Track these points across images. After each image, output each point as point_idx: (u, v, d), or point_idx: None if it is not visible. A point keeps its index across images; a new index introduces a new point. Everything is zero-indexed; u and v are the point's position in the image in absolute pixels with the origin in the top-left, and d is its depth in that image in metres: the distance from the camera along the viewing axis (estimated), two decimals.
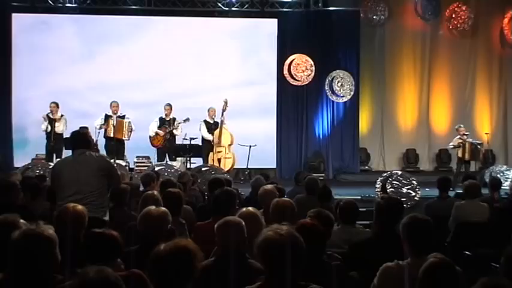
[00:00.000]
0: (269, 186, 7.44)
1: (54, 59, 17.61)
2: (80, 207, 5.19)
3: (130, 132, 14.96)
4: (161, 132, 15.16)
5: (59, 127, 14.82)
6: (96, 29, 17.87)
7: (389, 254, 4.48)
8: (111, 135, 14.76)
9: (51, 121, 14.78)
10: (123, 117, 15.04)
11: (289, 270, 3.37)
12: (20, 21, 17.68)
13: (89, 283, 2.82)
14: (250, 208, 5.25)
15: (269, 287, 3.45)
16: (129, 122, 15.00)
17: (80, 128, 9.91)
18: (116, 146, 14.74)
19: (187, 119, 15.27)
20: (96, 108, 16.88)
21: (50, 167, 13.62)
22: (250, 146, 16.35)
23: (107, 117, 14.96)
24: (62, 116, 15.03)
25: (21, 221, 4.23)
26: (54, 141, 14.74)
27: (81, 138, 6.84)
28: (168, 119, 15.34)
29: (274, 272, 3.41)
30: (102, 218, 6.37)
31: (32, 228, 3.53)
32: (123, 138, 14.85)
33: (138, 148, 15.95)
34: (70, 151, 14.28)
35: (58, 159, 8.90)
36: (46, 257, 3.46)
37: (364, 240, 5.51)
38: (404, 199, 12.18)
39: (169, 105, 15.59)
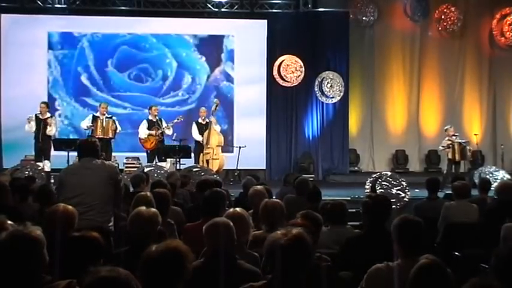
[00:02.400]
0: (259, 187, 7.40)
1: (42, 57, 17.61)
2: (70, 207, 5.16)
3: (115, 131, 14.95)
4: (154, 133, 15.12)
5: (51, 131, 14.73)
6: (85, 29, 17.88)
7: (380, 250, 4.54)
8: (100, 136, 14.70)
9: (40, 121, 14.67)
10: (110, 118, 15.03)
11: (295, 273, 3.38)
12: (8, 21, 17.64)
13: (100, 282, 2.81)
14: (237, 209, 5.24)
15: (273, 286, 3.45)
16: (114, 121, 14.98)
17: (88, 137, 9.95)
18: (104, 146, 14.68)
19: (180, 117, 15.30)
20: (84, 107, 17.00)
21: (39, 168, 13.68)
22: (239, 147, 16.35)
23: (95, 118, 14.90)
24: (51, 116, 14.95)
25: (9, 222, 4.21)
26: (42, 141, 14.65)
27: (90, 147, 6.77)
28: (155, 120, 15.31)
29: (280, 273, 3.40)
30: (106, 227, 6.29)
31: (18, 229, 3.52)
32: (107, 137, 14.77)
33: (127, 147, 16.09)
34: (58, 152, 14.39)
35: (67, 166, 8.92)
36: (33, 257, 3.45)
37: (356, 236, 5.61)
38: (393, 200, 12.17)
39: (155, 106, 15.61)
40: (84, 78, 17.71)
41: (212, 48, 18.29)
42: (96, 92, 17.65)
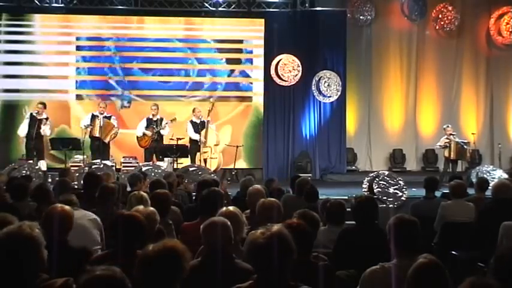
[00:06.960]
0: (258, 186, 7.40)
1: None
2: (67, 207, 5.15)
3: (114, 137, 15.01)
4: (149, 133, 15.12)
5: (45, 131, 14.65)
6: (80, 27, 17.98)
7: (371, 240, 4.94)
8: (97, 135, 14.70)
9: (36, 121, 14.60)
10: (109, 117, 15.03)
11: (277, 271, 3.38)
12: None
13: (96, 280, 2.82)
14: (230, 207, 5.24)
15: (259, 286, 3.46)
16: (114, 125, 14.98)
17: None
18: (101, 145, 14.69)
19: (174, 119, 15.29)
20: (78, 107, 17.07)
21: (36, 167, 13.64)
22: (237, 146, 16.35)
23: (94, 117, 14.89)
24: (47, 118, 14.85)
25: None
26: (35, 140, 14.59)
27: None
28: (155, 119, 15.30)
29: (263, 272, 3.42)
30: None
31: (15, 228, 3.52)
32: (104, 140, 14.76)
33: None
34: (55, 151, 14.32)
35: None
36: (30, 256, 3.46)
37: (349, 228, 5.85)
38: (391, 199, 12.23)
39: (156, 105, 15.61)
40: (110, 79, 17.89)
41: (232, 49, 18.37)
42: (122, 91, 17.79)
